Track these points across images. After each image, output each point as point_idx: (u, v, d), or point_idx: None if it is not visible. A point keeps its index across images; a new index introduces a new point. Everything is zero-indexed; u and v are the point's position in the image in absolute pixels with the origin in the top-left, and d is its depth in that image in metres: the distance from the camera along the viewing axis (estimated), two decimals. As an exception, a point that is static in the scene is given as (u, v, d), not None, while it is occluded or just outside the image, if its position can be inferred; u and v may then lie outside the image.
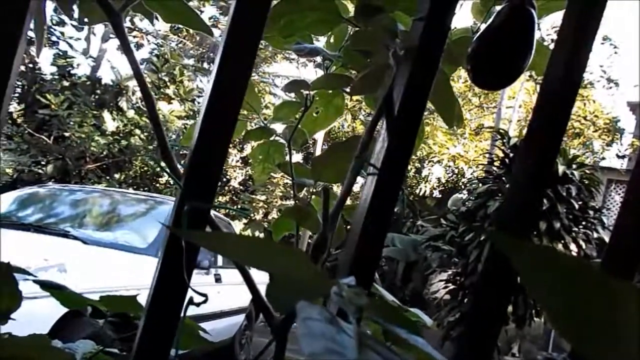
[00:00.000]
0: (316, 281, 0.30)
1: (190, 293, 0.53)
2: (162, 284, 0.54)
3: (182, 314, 0.54)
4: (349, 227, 0.73)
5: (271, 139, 1.06)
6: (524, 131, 0.89)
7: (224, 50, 0.52)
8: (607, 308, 0.27)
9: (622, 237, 0.71)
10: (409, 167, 12.84)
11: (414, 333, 0.34)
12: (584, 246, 5.16)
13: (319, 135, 11.88)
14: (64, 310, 2.51)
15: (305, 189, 0.99)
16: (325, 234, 0.56)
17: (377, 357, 0.26)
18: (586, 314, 0.27)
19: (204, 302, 0.52)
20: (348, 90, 0.99)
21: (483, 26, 0.74)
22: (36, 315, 2.26)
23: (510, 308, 5.03)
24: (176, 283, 0.53)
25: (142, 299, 0.68)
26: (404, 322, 0.36)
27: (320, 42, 1.08)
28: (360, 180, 0.76)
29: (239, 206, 10.98)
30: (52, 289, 0.85)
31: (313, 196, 0.95)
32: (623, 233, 0.72)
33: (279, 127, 1.09)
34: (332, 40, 1.01)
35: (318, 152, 10.82)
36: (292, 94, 1.06)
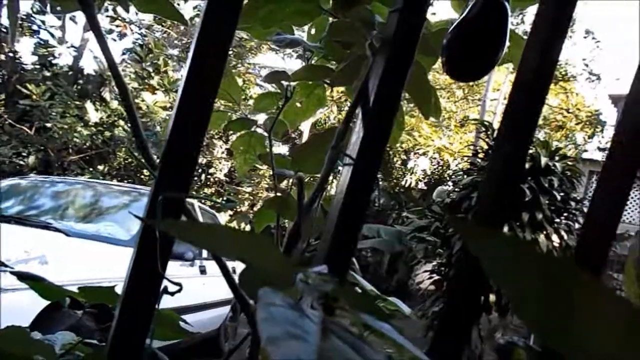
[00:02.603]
0: (281, 268, 0.30)
1: (165, 283, 0.53)
2: (137, 274, 0.54)
3: (156, 304, 0.54)
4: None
5: (252, 129, 1.06)
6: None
7: (198, 38, 0.52)
8: (570, 299, 0.27)
9: (595, 219, 0.73)
10: (395, 159, 12.89)
11: (382, 320, 0.35)
12: (565, 237, 5.24)
13: (305, 128, 11.86)
14: (46, 303, 2.49)
15: (286, 180, 0.99)
16: (299, 222, 0.57)
17: (340, 342, 0.27)
18: (548, 303, 0.28)
19: (179, 291, 0.52)
20: (328, 81, 0.99)
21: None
22: (17, 308, 2.24)
23: (493, 298, 5.10)
24: (151, 273, 0.53)
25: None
26: (373, 309, 0.36)
27: (304, 34, 1.08)
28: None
29: (225, 198, 10.93)
30: (30, 280, 0.85)
31: (293, 187, 0.96)
32: (597, 215, 0.73)
33: (262, 119, 1.09)
34: (312, 31, 1.01)
35: (304, 144, 10.74)
36: (275, 85, 1.06)
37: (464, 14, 0.66)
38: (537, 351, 0.50)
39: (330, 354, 0.25)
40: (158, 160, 0.56)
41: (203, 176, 11.46)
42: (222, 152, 12.08)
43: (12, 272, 0.86)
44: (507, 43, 0.68)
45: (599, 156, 13.50)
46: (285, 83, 1.00)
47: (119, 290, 0.74)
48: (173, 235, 0.40)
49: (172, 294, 0.52)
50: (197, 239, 0.33)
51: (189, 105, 0.52)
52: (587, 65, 16.60)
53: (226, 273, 0.56)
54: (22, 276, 0.85)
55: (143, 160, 0.53)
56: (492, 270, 0.28)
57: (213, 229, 0.32)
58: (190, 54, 0.55)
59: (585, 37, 16.52)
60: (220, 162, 12.16)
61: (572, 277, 0.27)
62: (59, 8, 0.62)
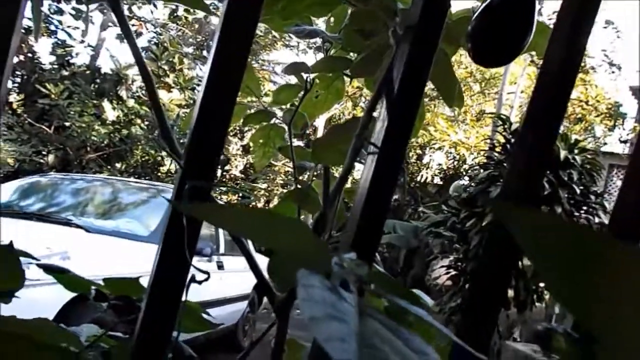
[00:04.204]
0: (318, 253, 0.30)
1: (192, 273, 0.54)
2: (163, 265, 0.54)
3: (184, 295, 0.55)
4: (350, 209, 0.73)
5: (271, 122, 1.06)
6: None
7: (222, 28, 0.52)
8: (610, 276, 0.26)
9: (621, 217, 0.71)
10: (411, 154, 12.83)
11: (416, 304, 0.34)
12: (585, 231, 5.16)
13: (320, 123, 11.86)
14: (68, 297, 2.53)
15: (306, 172, 0.99)
16: (325, 212, 0.56)
17: (378, 324, 0.27)
18: (588, 282, 0.27)
19: (206, 279, 0.52)
20: (348, 72, 0.99)
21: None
22: (40, 301, 2.28)
23: (511, 293, 5.05)
24: (177, 263, 0.53)
25: (145, 283, 0.68)
26: (406, 294, 0.36)
27: (321, 26, 1.08)
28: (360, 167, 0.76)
29: (240, 194, 10.98)
30: (56, 272, 0.86)
31: (314, 179, 0.96)
32: (622, 212, 0.72)
33: (279, 113, 1.09)
34: (331, 22, 1.00)
35: (319, 140, 10.75)
36: (292, 78, 1.06)
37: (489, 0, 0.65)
38: (575, 337, 0.50)
39: (370, 335, 0.24)
40: (183, 151, 0.56)
41: (219, 172, 11.54)
42: (238, 149, 12.14)
43: (38, 265, 0.87)
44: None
45: (620, 149, 13.26)
46: (304, 75, 0.99)
47: (143, 282, 0.75)
48: (204, 218, 0.40)
49: (200, 282, 0.53)
50: (228, 223, 0.33)
51: (214, 92, 0.52)
52: (607, 56, 16.32)
53: (250, 259, 0.56)
54: (48, 268, 0.86)
55: (168, 150, 0.54)
56: (530, 247, 0.28)
57: (244, 212, 0.32)
58: (213, 46, 0.54)
59: (605, 28, 16.21)
60: (235, 159, 12.23)
61: (608, 249, 0.26)
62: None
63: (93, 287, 0.86)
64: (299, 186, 0.91)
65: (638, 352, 0.26)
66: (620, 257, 0.25)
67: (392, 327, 0.28)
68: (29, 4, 0.75)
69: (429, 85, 0.81)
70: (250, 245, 0.74)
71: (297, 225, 0.29)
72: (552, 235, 0.26)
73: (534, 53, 0.84)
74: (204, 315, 0.81)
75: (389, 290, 0.32)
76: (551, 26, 0.66)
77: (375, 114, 0.65)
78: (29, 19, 1.01)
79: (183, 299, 0.57)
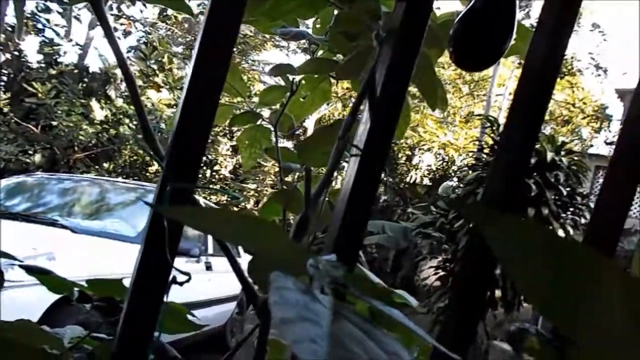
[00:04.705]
0: (292, 254, 0.30)
1: (173, 274, 0.53)
2: (145, 265, 0.54)
3: (166, 296, 0.55)
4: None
5: (257, 123, 1.06)
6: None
7: (204, 29, 0.52)
8: (581, 280, 0.27)
9: (602, 215, 0.72)
10: (400, 155, 12.87)
11: (395, 305, 0.34)
12: (571, 232, 5.22)
13: (309, 124, 11.86)
14: (54, 298, 2.51)
15: (292, 173, 0.99)
16: (307, 213, 0.57)
17: (352, 326, 0.27)
18: (559, 286, 0.28)
19: (187, 281, 0.52)
20: (334, 74, 0.99)
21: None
22: (25, 303, 2.25)
23: (499, 293, 5.09)
24: (159, 264, 0.53)
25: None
26: (385, 295, 0.36)
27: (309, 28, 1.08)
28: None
29: (229, 195, 10.94)
30: (39, 274, 0.85)
31: (300, 181, 0.96)
32: (604, 211, 0.73)
33: (266, 113, 1.09)
34: (318, 24, 1.01)
35: (308, 141, 10.75)
36: (280, 79, 1.06)
37: (471, 4, 0.66)
38: (548, 337, 0.50)
39: (342, 337, 0.25)
40: (165, 153, 0.56)
41: (208, 173, 11.48)
42: (227, 149, 12.10)
43: (21, 266, 0.86)
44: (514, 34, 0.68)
45: (606, 151, 13.42)
46: (290, 77, 1.00)
47: (127, 283, 0.75)
48: (183, 221, 0.40)
49: (181, 284, 0.53)
50: (206, 225, 0.33)
51: (196, 96, 0.52)
52: (593, 59, 16.50)
53: (233, 262, 0.56)
54: (31, 269, 0.86)
55: (151, 152, 0.54)
56: (503, 254, 0.28)
57: (222, 215, 0.32)
58: (196, 47, 0.55)
59: (591, 31, 16.39)
60: (225, 159, 12.18)
61: (583, 259, 0.26)
62: (66, 0, 0.62)
63: (76, 289, 0.85)
64: (284, 187, 0.91)
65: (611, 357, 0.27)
66: (594, 265, 0.26)
67: (367, 329, 0.28)
68: (11, 4, 0.75)
69: (416, 87, 0.82)
70: (235, 247, 0.74)
71: (273, 228, 0.30)
72: (522, 239, 0.26)
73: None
74: (189, 317, 0.81)
75: (366, 291, 0.33)
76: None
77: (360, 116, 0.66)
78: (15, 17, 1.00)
79: (165, 299, 0.57)
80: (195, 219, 0.35)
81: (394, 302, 0.34)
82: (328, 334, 0.23)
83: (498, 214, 0.27)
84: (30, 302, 2.28)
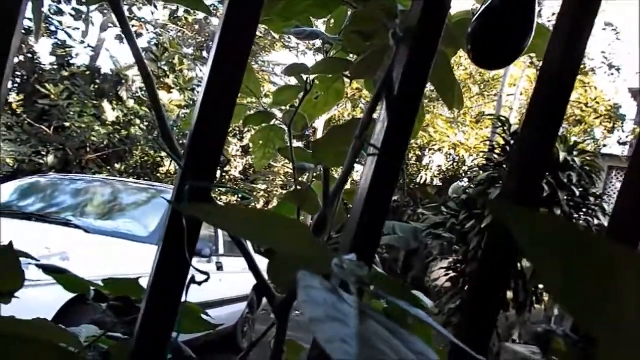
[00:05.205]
0: (317, 254, 0.30)
1: (191, 273, 0.54)
2: (163, 265, 0.54)
3: (183, 295, 0.55)
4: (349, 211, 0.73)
5: (271, 123, 1.06)
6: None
7: (222, 30, 0.52)
8: (611, 278, 0.26)
9: (621, 219, 0.71)
10: (410, 155, 12.83)
11: (416, 306, 0.34)
12: (584, 233, 5.16)
13: (320, 125, 11.86)
14: (68, 297, 2.53)
15: (306, 173, 0.99)
16: (325, 213, 0.56)
17: (377, 325, 0.27)
18: (588, 284, 0.27)
19: (206, 280, 0.52)
20: (348, 74, 0.99)
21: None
22: (39, 302, 2.27)
23: (510, 295, 5.05)
24: (177, 264, 0.53)
25: (145, 284, 0.68)
26: (406, 295, 0.36)
27: (321, 27, 1.08)
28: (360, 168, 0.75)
29: (240, 195, 10.97)
30: (55, 273, 0.86)
31: (314, 180, 0.96)
32: (622, 215, 0.72)
33: (279, 114, 1.09)
34: (332, 24, 1.01)
35: (318, 141, 10.77)
36: (292, 80, 1.06)
37: (489, 1, 0.65)
38: (575, 339, 0.50)
39: (369, 336, 0.24)
40: (183, 152, 0.56)
41: (218, 173, 11.53)
42: (237, 150, 12.14)
43: (37, 265, 0.87)
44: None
45: (619, 151, 13.26)
46: (304, 77, 0.99)
47: (143, 283, 0.75)
48: (203, 219, 0.40)
49: (200, 283, 0.53)
50: (228, 223, 0.33)
51: (215, 92, 0.52)
52: (606, 59, 16.33)
53: (250, 260, 0.56)
54: (47, 268, 0.86)
55: (168, 150, 0.54)
56: (533, 251, 0.28)
57: (244, 212, 0.32)
58: (213, 49, 0.55)
59: (604, 30, 16.22)
60: (235, 160, 12.23)
61: (611, 254, 0.26)
62: (84, 0, 0.62)
63: (92, 288, 0.85)
64: (298, 187, 0.91)
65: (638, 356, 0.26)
66: (621, 259, 0.25)
67: (392, 328, 0.28)
68: (29, 5, 0.75)
69: (429, 87, 0.81)
70: (249, 246, 0.74)
71: (297, 226, 0.29)
72: (552, 236, 0.26)
73: (533, 55, 0.84)
74: (204, 316, 0.81)
75: (389, 291, 0.32)
76: (551, 28, 0.66)
77: (375, 115, 0.66)
78: (30, 19, 1.01)
79: (183, 299, 0.57)
80: (216, 217, 0.35)
81: (416, 301, 0.34)
82: (356, 333, 0.23)
83: (527, 211, 0.26)
84: (45, 301, 2.30)
